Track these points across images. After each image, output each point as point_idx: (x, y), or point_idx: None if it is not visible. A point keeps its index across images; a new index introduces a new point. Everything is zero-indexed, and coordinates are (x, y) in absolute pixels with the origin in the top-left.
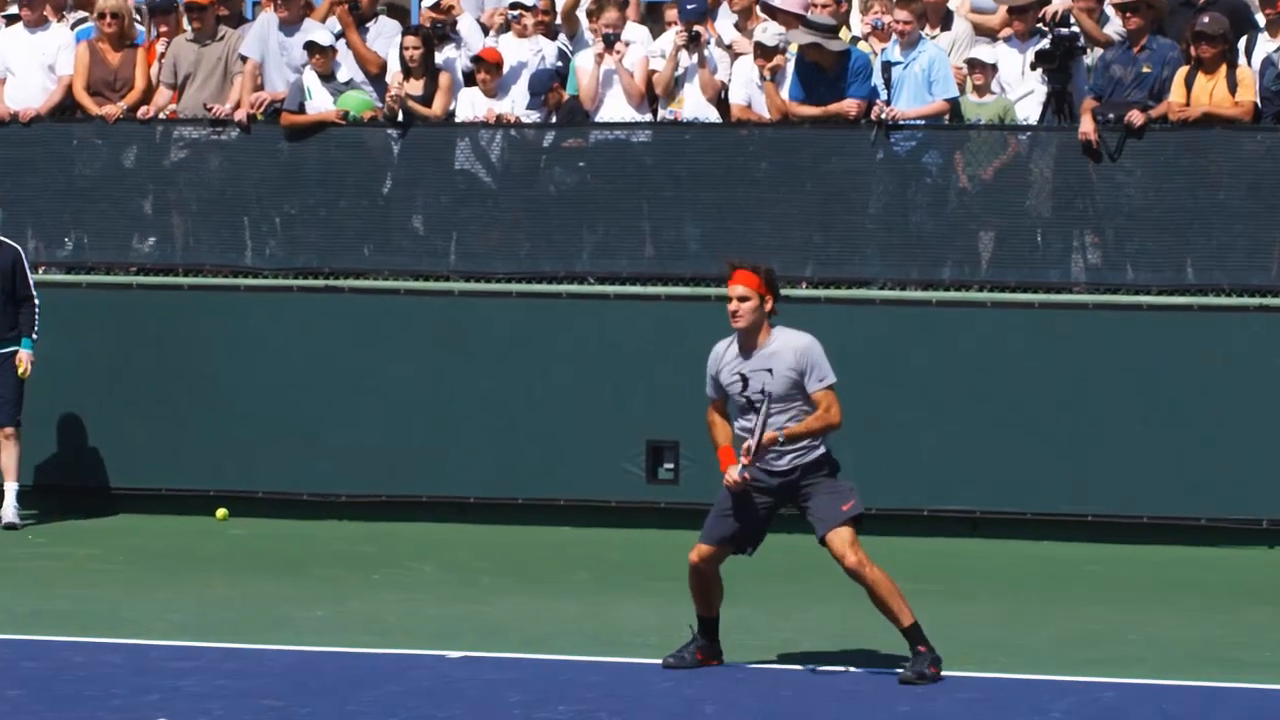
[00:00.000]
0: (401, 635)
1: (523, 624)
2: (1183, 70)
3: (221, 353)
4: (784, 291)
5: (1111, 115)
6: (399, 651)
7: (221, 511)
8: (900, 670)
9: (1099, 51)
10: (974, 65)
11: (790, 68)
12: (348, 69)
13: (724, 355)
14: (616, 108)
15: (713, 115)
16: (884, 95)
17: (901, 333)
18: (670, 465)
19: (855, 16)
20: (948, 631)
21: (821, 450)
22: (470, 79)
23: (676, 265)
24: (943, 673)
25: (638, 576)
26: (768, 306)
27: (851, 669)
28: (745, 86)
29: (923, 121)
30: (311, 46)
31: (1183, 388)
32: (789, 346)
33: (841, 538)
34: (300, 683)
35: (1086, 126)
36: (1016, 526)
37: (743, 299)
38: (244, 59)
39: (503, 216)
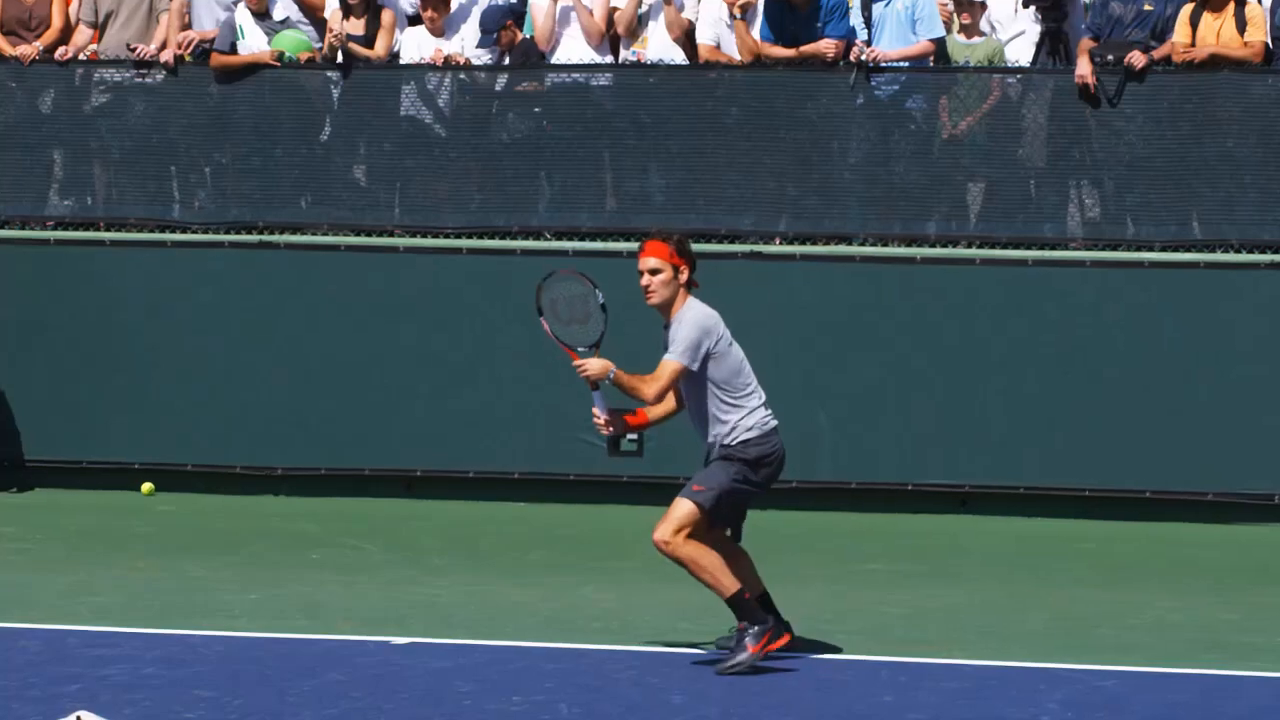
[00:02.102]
0: (343, 620)
1: (473, 608)
2: (1188, 7)
3: (147, 314)
4: (757, 248)
5: (1110, 57)
6: (341, 638)
7: (147, 486)
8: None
9: None
10: (961, 3)
11: (761, 5)
12: (283, 6)
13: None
14: (575, 48)
15: (679, 57)
16: (864, 35)
17: (883, 292)
18: (634, 437)
19: None
20: (934, 616)
21: (739, 439)
22: (416, 18)
23: (640, 219)
24: (772, 646)
25: (598, 557)
26: (682, 277)
27: (830, 656)
28: (714, 25)
29: (906, 64)
30: None
31: (1188, 352)
32: (680, 319)
33: (672, 510)
34: (234, 672)
35: (1083, 69)
36: (1008, 502)
37: (654, 271)
38: None
39: (452, 166)
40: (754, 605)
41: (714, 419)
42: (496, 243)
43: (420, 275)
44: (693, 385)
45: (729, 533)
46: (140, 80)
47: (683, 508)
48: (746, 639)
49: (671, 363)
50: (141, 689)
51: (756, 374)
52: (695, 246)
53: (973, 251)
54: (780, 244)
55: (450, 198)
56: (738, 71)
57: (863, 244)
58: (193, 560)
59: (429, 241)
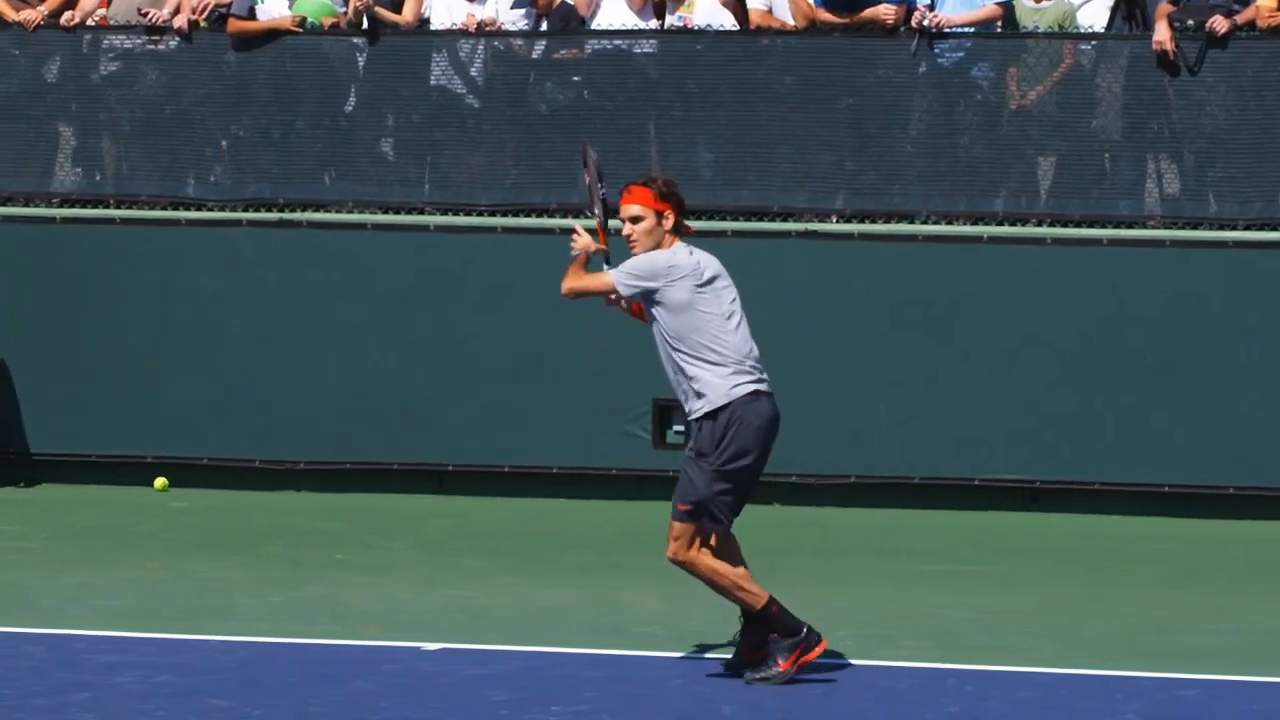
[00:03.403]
0: (369, 624)
1: (509, 611)
2: None
3: (159, 297)
4: (812, 226)
5: (1190, 21)
6: (367, 643)
7: (160, 481)
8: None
9: None
10: None
11: None
12: None
13: None
14: (617, 13)
15: (728, 22)
16: None
17: (948, 274)
18: (680, 428)
19: None
20: (1003, 620)
21: (704, 409)
22: None
23: (688, 195)
24: (808, 658)
25: (642, 556)
26: (667, 223)
27: (892, 663)
28: None
29: (971, 29)
30: None
31: (1275, 338)
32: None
33: (672, 528)
34: (252, 679)
35: (1161, 34)
36: (1082, 498)
37: (635, 219)
38: None
39: (486, 139)
40: (785, 615)
41: (680, 383)
42: (534, 221)
43: (452, 256)
44: (659, 335)
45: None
46: (152, 47)
47: (676, 527)
48: (777, 653)
49: (605, 276)
50: (154, 698)
51: (814, 361)
52: (746, 225)
53: (1043, 230)
54: (837, 222)
55: (484, 173)
56: (791, 38)
57: (925, 222)
58: (208, 560)
59: (461, 220)
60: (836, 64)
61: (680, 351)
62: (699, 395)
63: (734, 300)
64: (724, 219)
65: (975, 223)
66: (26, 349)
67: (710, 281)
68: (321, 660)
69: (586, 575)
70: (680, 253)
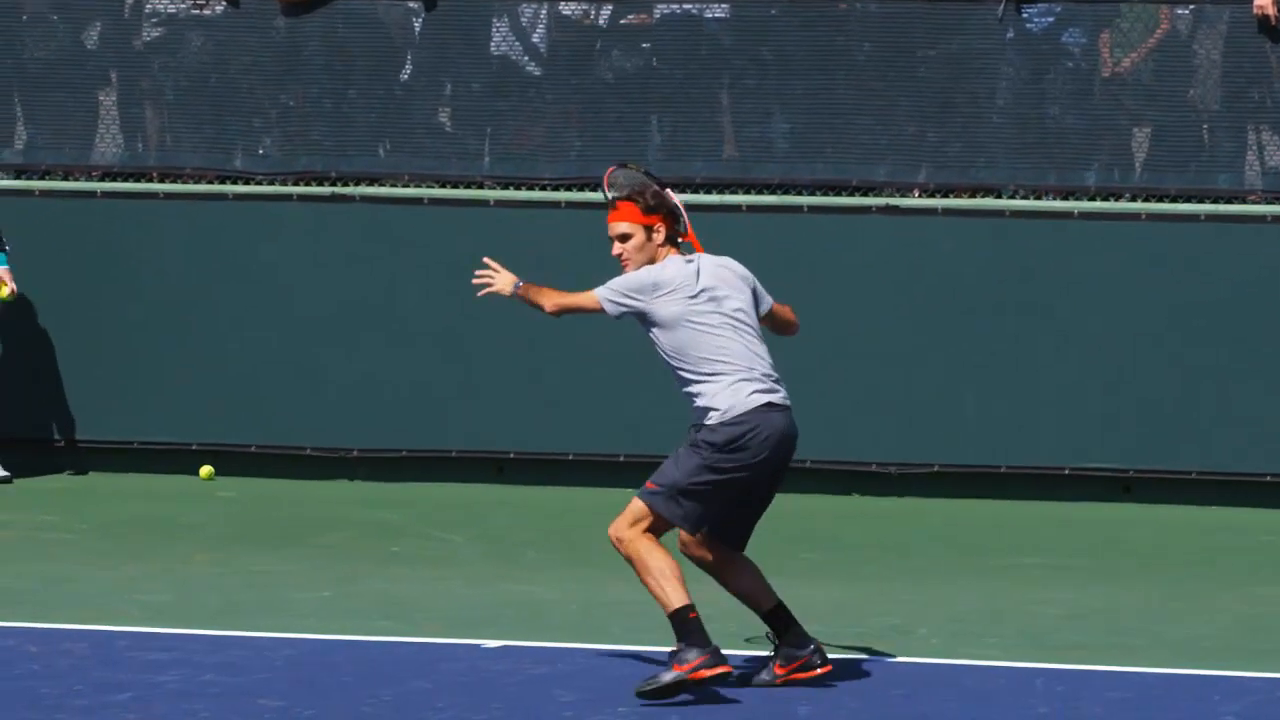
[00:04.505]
0: (427, 620)
1: (573, 606)
2: None
3: (205, 275)
4: (893, 201)
5: None
6: (424, 640)
7: (206, 470)
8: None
9: None
10: None
11: None
12: None
13: None
14: None
15: None
16: None
17: (1036, 251)
18: None
19: None
20: (1095, 616)
21: (706, 420)
22: None
23: (761, 169)
24: (701, 674)
25: None
26: (658, 236)
27: (978, 662)
28: None
29: None
30: None
31: None
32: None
33: (630, 504)
34: (304, 678)
35: None
36: (1178, 488)
37: (624, 237)
38: None
39: (549, 110)
40: (697, 627)
41: (684, 393)
42: (599, 195)
43: (513, 232)
44: (658, 350)
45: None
46: (198, 12)
47: (634, 504)
48: (674, 659)
49: (591, 293)
50: (200, 697)
51: (894, 343)
52: (822, 200)
53: (1138, 205)
54: (919, 196)
55: (547, 145)
56: (871, 2)
57: (1012, 196)
58: (257, 553)
59: (523, 194)
60: (919, 30)
61: (684, 369)
62: (709, 410)
63: (738, 310)
64: (799, 193)
65: (1065, 197)
66: (65, 329)
67: (706, 291)
68: (376, 658)
69: None
70: (671, 265)
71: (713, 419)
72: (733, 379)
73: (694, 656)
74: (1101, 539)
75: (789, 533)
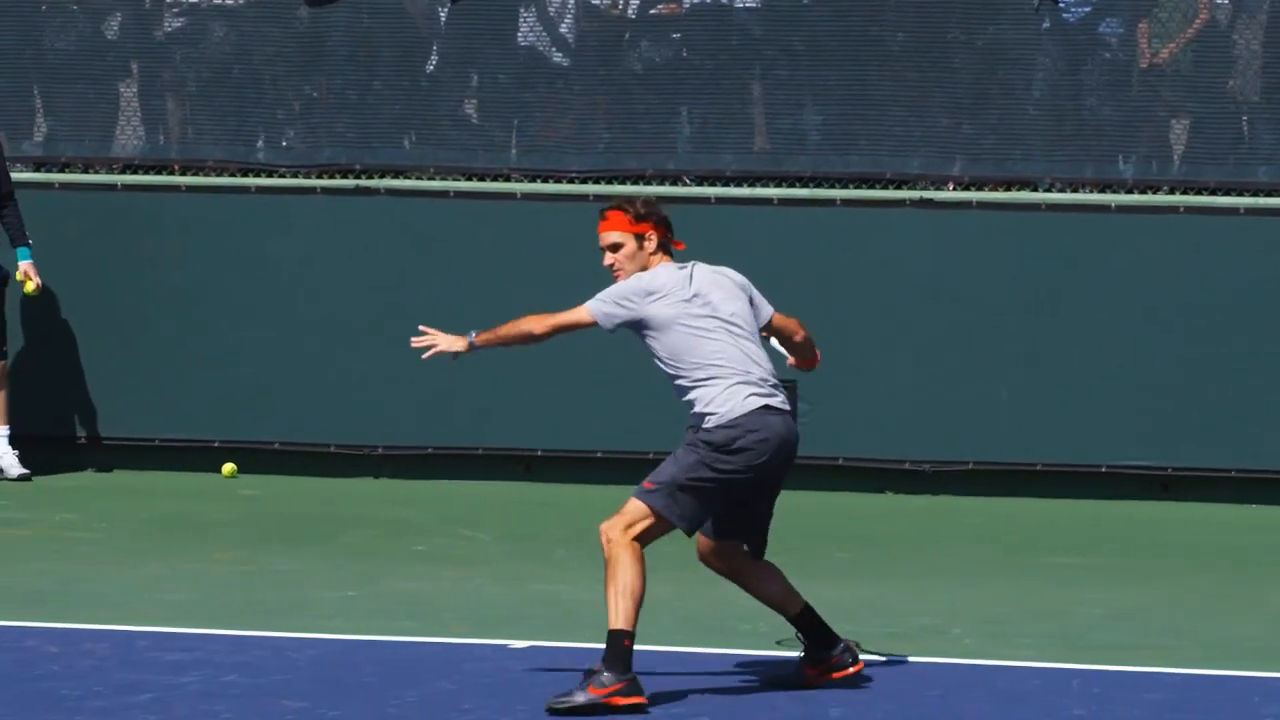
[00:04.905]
0: (453, 620)
1: (601, 606)
2: None
3: (227, 270)
4: (926, 194)
5: None
6: (450, 641)
7: (228, 467)
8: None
9: None
10: None
11: None
12: None
13: None
14: None
15: None
16: None
17: (1072, 245)
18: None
19: None
20: (1132, 617)
21: (705, 424)
22: None
23: (793, 161)
24: (614, 700)
25: None
26: (650, 245)
27: (1012, 663)
28: None
29: None
30: None
31: None
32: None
33: (626, 503)
34: (327, 679)
35: None
36: (1217, 487)
37: (615, 247)
38: None
39: (576, 101)
40: (626, 655)
41: (682, 401)
42: (628, 188)
43: (540, 225)
44: (653, 357)
45: (745, 548)
46: (220, 2)
47: (631, 503)
48: (590, 680)
49: (582, 308)
50: (222, 698)
51: (928, 339)
52: (855, 193)
53: (1176, 198)
54: (954, 189)
55: (574, 137)
56: None
57: (1048, 190)
58: (280, 552)
59: (550, 187)
60: (954, 19)
61: (681, 374)
62: (706, 415)
63: (734, 314)
64: (832, 186)
65: (1102, 190)
66: (85, 325)
67: (700, 295)
68: (401, 659)
69: (685, 568)
70: (663, 273)
71: (710, 422)
72: (729, 382)
73: (611, 681)
74: (1138, 538)
75: (822, 531)
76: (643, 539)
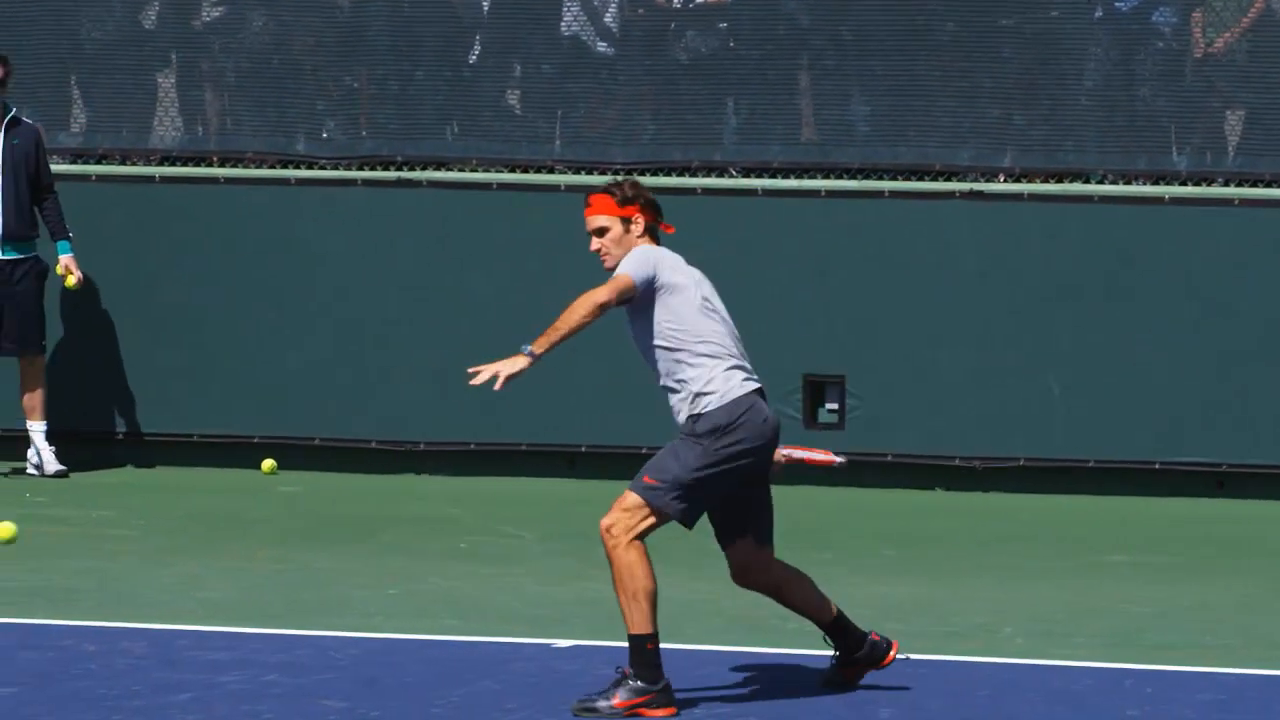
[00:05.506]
0: (496, 619)
1: None
2: None
3: (266, 263)
4: (977, 186)
5: None
6: (493, 640)
7: (268, 463)
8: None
9: None
10: None
11: None
12: None
13: None
14: None
15: None
16: None
17: (1125, 238)
18: (834, 406)
19: None
20: (1187, 615)
21: (699, 408)
22: None
23: (841, 153)
24: (645, 712)
25: (790, 546)
26: (636, 228)
27: (1065, 662)
28: None
29: None
30: None
31: None
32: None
33: (627, 496)
34: (369, 679)
35: None
36: (1273, 483)
37: (601, 232)
38: None
39: (621, 92)
40: (654, 659)
41: (671, 382)
42: (673, 180)
43: (584, 219)
44: (646, 337)
45: (755, 542)
46: None
47: (630, 498)
48: (619, 689)
49: (622, 275)
50: (263, 698)
51: (979, 333)
52: (905, 185)
53: (1231, 190)
54: (1004, 181)
55: (619, 128)
56: None
57: (1101, 181)
58: (321, 550)
59: (594, 179)
60: (1004, 8)
61: (683, 349)
62: (702, 395)
63: (717, 301)
64: (880, 178)
65: (1156, 182)
66: (123, 319)
67: (697, 278)
68: (444, 658)
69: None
70: (666, 251)
71: (709, 404)
72: (726, 364)
73: (642, 691)
74: (1193, 535)
75: (871, 528)
76: (643, 535)
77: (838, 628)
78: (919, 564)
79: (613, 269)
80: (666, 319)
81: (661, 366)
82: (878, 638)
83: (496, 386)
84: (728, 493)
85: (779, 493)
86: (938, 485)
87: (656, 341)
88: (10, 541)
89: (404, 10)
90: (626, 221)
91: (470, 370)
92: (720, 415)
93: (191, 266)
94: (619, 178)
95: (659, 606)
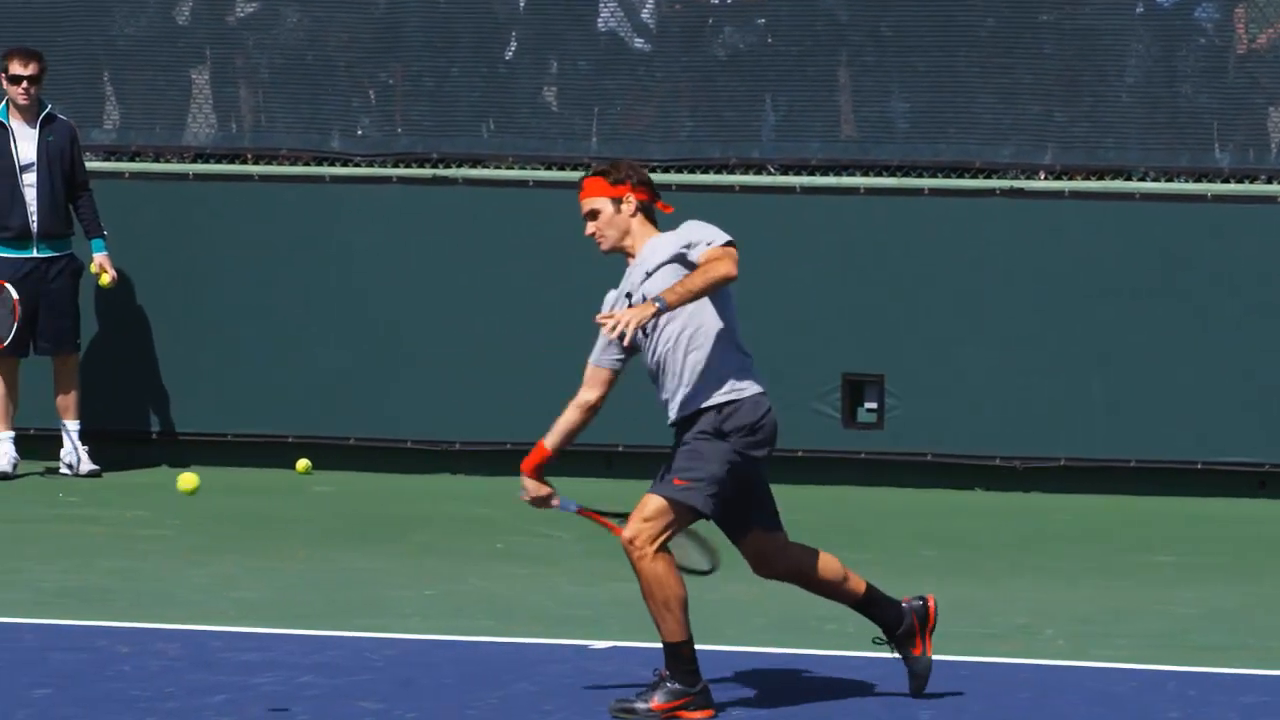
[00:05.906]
0: (532, 620)
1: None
2: None
3: (301, 261)
4: (1017, 183)
5: None
6: (530, 641)
7: (303, 463)
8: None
9: None
10: None
11: None
12: None
13: (614, 299)
14: None
15: None
16: None
17: (1166, 235)
18: (873, 405)
19: None
20: (1229, 617)
21: (702, 403)
22: None
23: (880, 150)
24: (683, 714)
25: (831, 543)
26: (628, 207)
27: (1107, 664)
28: None
29: None
30: None
31: None
32: (655, 247)
33: (648, 503)
34: (405, 680)
35: None
36: None
37: (593, 214)
38: None
39: (658, 88)
40: (690, 663)
41: (705, 378)
42: (711, 177)
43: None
44: (687, 326)
45: (765, 529)
46: None
47: (657, 503)
48: (657, 692)
49: (727, 245)
50: (297, 700)
51: (1019, 332)
52: (945, 183)
53: (1273, 188)
54: (1045, 179)
55: (656, 125)
56: None
57: (1143, 179)
58: (356, 550)
59: None
60: (1045, 4)
61: (727, 340)
62: (726, 386)
63: None
64: (920, 175)
65: (1198, 179)
66: (157, 318)
67: None
68: (480, 659)
69: None
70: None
71: (734, 395)
72: (750, 361)
73: (680, 694)
74: (1236, 536)
75: (910, 529)
76: (666, 543)
77: (870, 601)
78: (959, 565)
79: (608, 252)
80: (723, 308)
81: (690, 361)
82: (908, 601)
83: (626, 339)
84: (738, 491)
85: (815, 493)
86: (977, 485)
87: (707, 329)
88: (193, 492)
89: (439, 6)
90: (617, 201)
91: (600, 318)
92: (748, 414)
93: (226, 265)
94: (615, 159)
95: (690, 609)
